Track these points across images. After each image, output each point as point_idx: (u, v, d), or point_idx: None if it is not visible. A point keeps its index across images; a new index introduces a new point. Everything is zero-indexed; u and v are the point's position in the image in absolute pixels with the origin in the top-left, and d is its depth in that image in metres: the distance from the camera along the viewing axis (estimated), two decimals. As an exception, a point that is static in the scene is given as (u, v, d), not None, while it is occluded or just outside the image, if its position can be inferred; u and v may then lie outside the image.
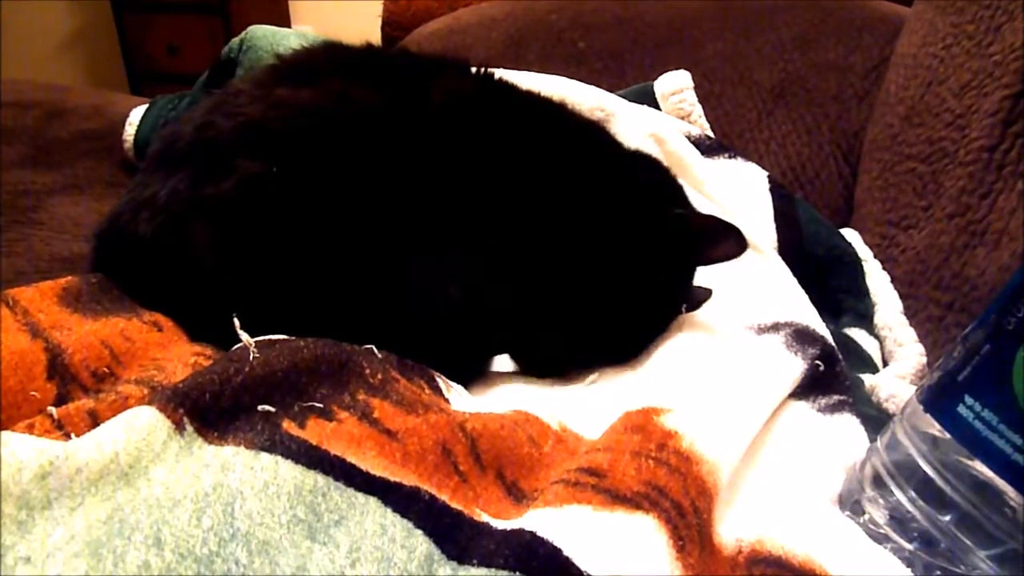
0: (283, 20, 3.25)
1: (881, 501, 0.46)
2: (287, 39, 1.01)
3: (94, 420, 0.42)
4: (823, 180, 1.04)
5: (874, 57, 1.07)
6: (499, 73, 0.75)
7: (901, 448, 0.46)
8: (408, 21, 1.52)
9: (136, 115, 1.07)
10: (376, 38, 1.59)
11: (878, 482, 0.47)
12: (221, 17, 2.97)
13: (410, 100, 0.63)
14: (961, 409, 0.43)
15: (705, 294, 0.70)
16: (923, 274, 0.75)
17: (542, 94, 0.74)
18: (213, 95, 0.68)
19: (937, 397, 0.45)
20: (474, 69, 0.74)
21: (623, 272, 0.62)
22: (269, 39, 1.01)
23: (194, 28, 3.02)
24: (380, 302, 0.57)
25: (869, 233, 0.89)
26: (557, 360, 0.63)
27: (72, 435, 0.41)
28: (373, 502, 0.38)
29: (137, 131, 1.05)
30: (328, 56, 0.71)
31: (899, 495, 0.45)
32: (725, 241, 0.63)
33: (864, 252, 0.85)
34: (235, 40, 1.03)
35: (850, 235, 0.88)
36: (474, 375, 0.62)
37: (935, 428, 0.44)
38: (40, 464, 0.35)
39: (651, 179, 0.70)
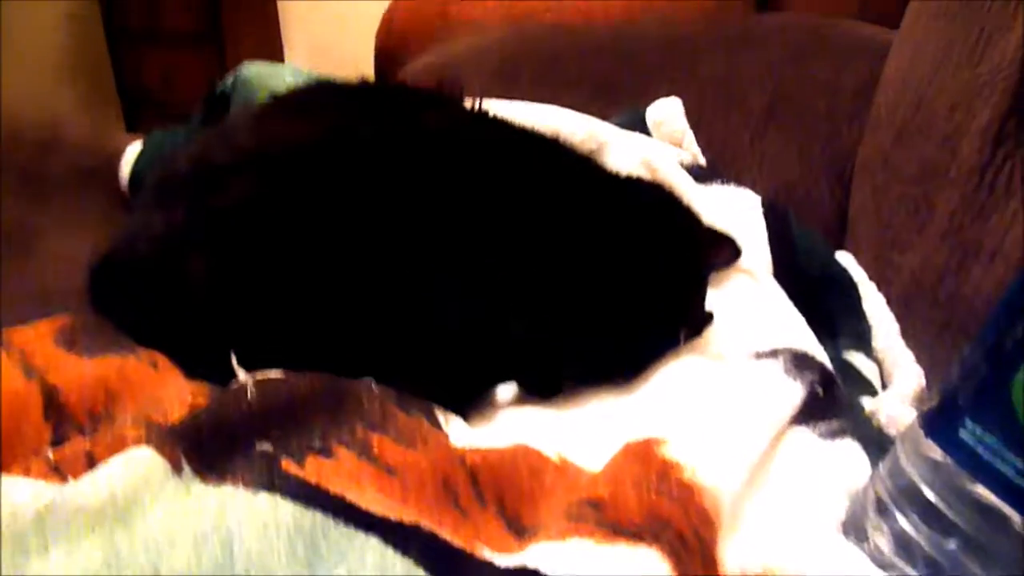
0: (276, 51, 3.27)
1: (885, 528, 0.46)
2: (280, 75, 1.02)
3: (91, 461, 0.42)
4: (815, 200, 1.05)
5: (863, 78, 1.08)
6: (492, 105, 0.76)
7: (904, 473, 0.46)
8: (401, 52, 1.53)
9: (132, 150, 1.07)
10: (369, 69, 1.61)
11: (882, 508, 0.46)
12: (215, 48, 2.99)
13: (405, 133, 0.64)
14: (963, 433, 0.42)
15: (707, 319, 0.70)
16: (919, 294, 0.75)
17: (536, 126, 0.75)
18: (209, 130, 0.68)
19: (938, 421, 0.45)
20: (468, 101, 0.74)
21: (628, 281, 0.62)
22: (262, 75, 1.02)
23: (188, 59, 3.04)
24: (379, 332, 0.57)
25: (863, 254, 0.89)
26: (559, 378, 0.63)
27: (69, 477, 0.40)
28: (373, 540, 0.38)
29: (133, 166, 1.05)
30: (323, 92, 0.72)
31: (903, 521, 0.45)
32: (720, 247, 0.64)
33: (859, 274, 0.85)
34: (228, 77, 1.04)
35: (844, 258, 0.89)
36: (476, 403, 0.62)
37: (937, 453, 0.44)
38: (36, 508, 0.35)
39: (655, 198, 0.70)
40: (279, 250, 0.57)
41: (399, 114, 0.67)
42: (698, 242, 0.66)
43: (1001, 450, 0.40)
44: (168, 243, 0.58)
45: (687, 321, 0.66)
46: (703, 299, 0.68)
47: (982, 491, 0.41)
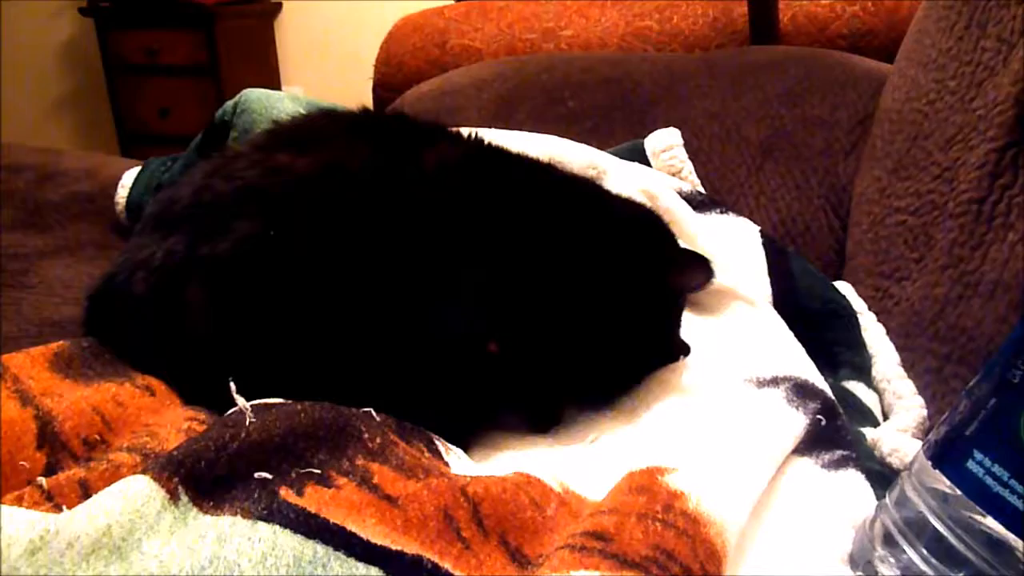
0: (273, 82, 3.30)
1: (892, 560, 0.45)
2: (281, 102, 1.02)
3: (85, 491, 0.42)
4: (813, 233, 1.05)
5: (859, 112, 1.09)
6: (490, 136, 0.76)
7: (911, 505, 0.45)
8: (399, 83, 1.54)
9: (128, 177, 1.07)
10: (367, 98, 1.62)
11: (889, 540, 0.46)
12: (212, 79, 3.01)
13: (404, 167, 0.64)
14: (970, 464, 0.42)
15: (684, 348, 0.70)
16: (919, 326, 0.75)
17: (532, 156, 0.75)
18: (212, 159, 0.68)
19: (945, 452, 0.44)
20: (466, 132, 0.75)
21: (615, 312, 0.62)
22: (263, 102, 1.02)
23: (185, 90, 3.06)
24: (379, 362, 0.56)
25: (862, 285, 0.89)
26: (554, 404, 0.62)
27: (63, 507, 0.39)
28: (374, 572, 0.37)
29: (129, 193, 1.05)
30: (326, 123, 0.72)
31: (911, 553, 0.44)
32: (691, 269, 0.65)
33: (858, 304, 0.85)
34: (229, 103, 1.04)
35: (844, 287, 0.89)
36: (477, 434, 0.61)
37: (945, 484, 0.43)
38: (30, 539, 0.34)
39: (643, 228, 0.71)
40: (279, 284, 0.56)
41: (399, 148, 0.67)
42: (669, 260, 0.66)
43: (1010, 482, 0.40)
44: (168, 273, 0.58)
45: (662, 346, 0.66)
46: (678, 320, 0.68)
47: (991, 523, 0.41)
